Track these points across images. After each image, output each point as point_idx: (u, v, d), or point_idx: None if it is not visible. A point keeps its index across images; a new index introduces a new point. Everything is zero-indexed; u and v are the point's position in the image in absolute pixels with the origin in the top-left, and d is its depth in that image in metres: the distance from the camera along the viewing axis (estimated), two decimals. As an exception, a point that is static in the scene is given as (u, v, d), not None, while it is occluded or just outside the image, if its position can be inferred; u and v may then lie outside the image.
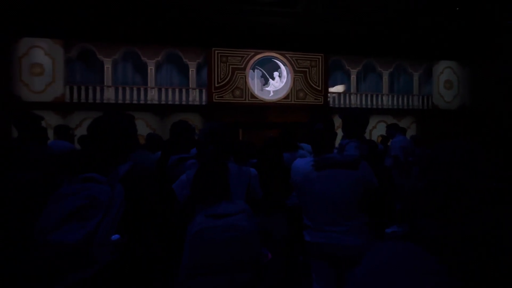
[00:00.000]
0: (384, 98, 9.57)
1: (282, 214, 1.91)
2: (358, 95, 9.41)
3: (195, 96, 8.41)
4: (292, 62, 8.81)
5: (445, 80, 9.94)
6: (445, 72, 9.94)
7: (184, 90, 8.38)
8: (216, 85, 8.36)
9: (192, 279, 1.06)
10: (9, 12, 6.52)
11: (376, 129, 9.17)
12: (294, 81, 8.79)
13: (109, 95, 7.95)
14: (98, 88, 7.91)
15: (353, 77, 9.49)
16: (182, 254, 1.12)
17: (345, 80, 9.58)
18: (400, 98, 9.62)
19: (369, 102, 9.38)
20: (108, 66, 8.02)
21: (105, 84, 8.00)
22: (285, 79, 8.80)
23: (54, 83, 7.62)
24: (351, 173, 1.51)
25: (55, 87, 7.62)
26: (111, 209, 0.98)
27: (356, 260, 1.47)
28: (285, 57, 8.76)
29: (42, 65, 7.52)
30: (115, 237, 0.98)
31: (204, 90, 8.45)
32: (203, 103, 8.42)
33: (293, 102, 8.81)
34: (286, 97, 8.79)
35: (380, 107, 9.42)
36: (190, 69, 8.47)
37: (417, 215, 0.61)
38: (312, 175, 1.51)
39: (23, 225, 0.99)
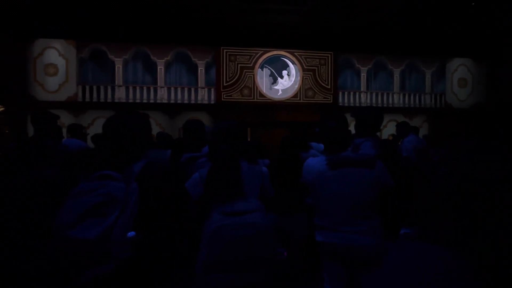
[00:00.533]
0: (395, 96, 9.39)
1: (302, 213, 1.90)
2: (368, 93, 9.27)
3: (203, 95, 8.46)
4: (301, 60, 8.74)
5: (459, 78, 9.67)
6: (459, 70, 9.67)
7: (193, 89, 8.44)
8: (225, 84, 8.38)
9: (209, 276, 1.07)
10: (23, 15, 6.72)
11: (387, 128, 9.01)
12: (303, 79, 8.73)
13: (120, 94, 8.08)
14: (109, 88, 8.06)
15: (363, 75, 9.35)
16: (197, 251, 1.12)
17: (355, 78, 9.45)
18: (411, 97, 9.42)
19: (379, 101, 9.23)
20: (119, 66, 8.15)
21: (116, 83, 8.14)
22: (294, 77, 8.75)
23: (67, 83, 7.80)
24: (367, 172, 1.48)
25: (68, 87, 7.81)
26: (127, 206, 0.99)
27: (369, 261, 1.46)
28: (294, 55, 8.70)
29: (56, 66, 7.71)
30: (131, 234, 0.99)
31: (212, 89, 8.49)
32: (212, 102, 8.46)
33: (302, 101, 8.75)
34: (295, 95, 8.74)
35: (391, 105, 9.25)
36: (199, 68, 8.53)
37: (439, 216, 0.59)
38: (326, 174, 1.49)
39: (44, 221, 1.01)
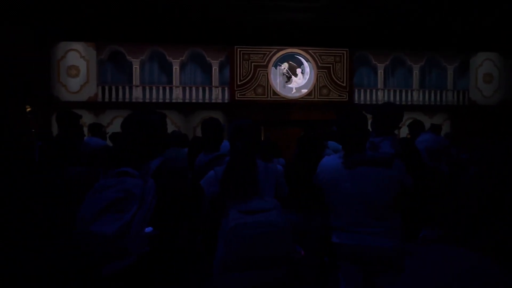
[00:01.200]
0: (414, 93, 9.04)
1: (318, 212, 1.88)
2: (386, 90, 8.99)
3: (217, 94, 8.54)
4: (316, 58, 8.61)
5: (484, 73, 9.16)
6: (484, 65, 9.16)
7: (207, 89, 8.54)
8: (238, 83, 8.41)
9: (227, 274, 1.08)
10: (48, 19, 7.05)
11: (405, 127, 8.70)
12: (318, 77, 8.59)
13: (137, 94, 8.32)
14: (127, 88, 8.32)
15: (380, 72, 9.07)
16: (213, 249, 1.13)
17: (372, 75, 9.19)
18: (432, 94, 9.04)
19: (397, 98, 8.92)
20: (136, 67, 8.39)
21: (134, 84, 8.38)
22: (308, 75, 8.63)
23: (88, 84, 8.13)
24: (384, 172, 1.43)
25: (89, 87, 8.13)
26: (144, 202, 1.01)
27: (387, 263, 1.41)
28: (308, 53, 8.58)
29: (78, 67, 8.05)
30: (148, 229, 1.01)
31: (226, 88, 8.55)
32: (226, 101, 8.52)
33: (316, 99, 8.62)
34: (309, 94, 8.62)
35: (409, 103, 8.92)
36: (213, 68, 8.61)
37: (468, 218, 0.55)
38: (342, 173, 1.45)
39: (73, 217, 1.06)
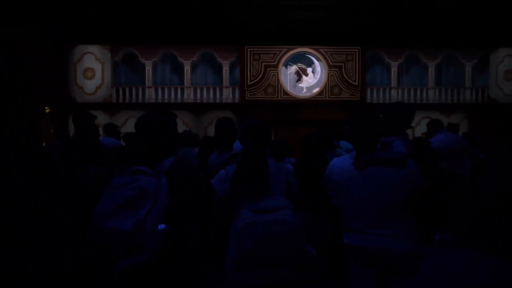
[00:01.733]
0: (430, 92, 8.77)
1: (325, 213, 1.86)
2: (400, 89, 8.76)
3: (228, 95, 8.59)
4: (327, 57, 8.51)
5: (505, 70, 8.77)
6: (505, 61, 8.77)
7: (218, 89, 8.61)
8: (249, 83, 8.43)
9: (238, 273, 1.08)
10: (63, 23, 7.31)
11: (420, 126, 8.45)
12: (329, 76, 8.49)
13: (150, 95, 8.50)
14: (140, 89, 8.51)
15: (394, 70, 8.85)
16: (224, 247, 1.14)
17: (385, 74, 8.98)
18: (449, 92, 8.73)
19: (412, 97, 8.68)
20: (149, 68, 8.57)
21: (146, 85, 8.56)
22: (319, 74, 8.54)
23: (103, 85, 8.37)
24: (397, 172, 1.39)
25: (104, 89, 8.38)
26: (158, 200, 1.04)
27: (401, 266, 1.37)
28: (319, 52, 8.49)
29: (93, 70, 8.31)
30: (161, 226, 1.03)
31: (237, 88, 8.59)
32: (236, 101, 8.56)
33: (327, 98, 8.52)
34: (320, 93, 8.53)
35: (425, 102, 8.66)
36: (224, 68, 8.67)
37: (487, 220, 0.53)
38: (353, 174, 1.42)
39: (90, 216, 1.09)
